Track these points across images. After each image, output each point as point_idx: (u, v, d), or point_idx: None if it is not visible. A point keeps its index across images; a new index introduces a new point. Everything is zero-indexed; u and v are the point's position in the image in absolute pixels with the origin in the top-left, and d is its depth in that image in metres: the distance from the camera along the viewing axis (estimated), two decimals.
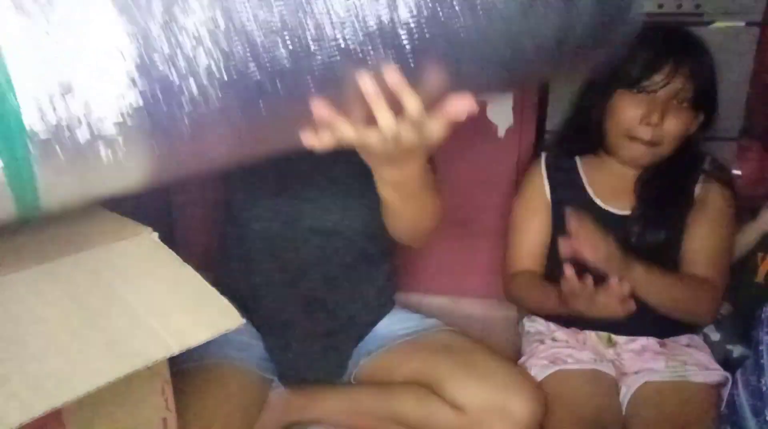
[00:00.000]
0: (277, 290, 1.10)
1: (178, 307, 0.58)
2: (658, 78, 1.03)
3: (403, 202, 0.79)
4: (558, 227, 1.16)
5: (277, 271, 1.09)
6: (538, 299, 1.13)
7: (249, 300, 1.13)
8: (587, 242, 0.94)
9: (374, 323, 1.16)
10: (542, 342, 1.13)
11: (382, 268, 1.15)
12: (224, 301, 0.59)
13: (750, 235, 1.14)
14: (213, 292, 0.60)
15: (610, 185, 1.13)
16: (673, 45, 1.05)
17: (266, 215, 1.06)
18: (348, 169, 1.04)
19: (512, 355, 1.19)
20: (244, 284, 1.12)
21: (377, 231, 1.08)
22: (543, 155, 1.20)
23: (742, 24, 1.15)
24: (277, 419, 1.10)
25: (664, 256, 1.08)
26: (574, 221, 0.97)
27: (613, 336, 1.10)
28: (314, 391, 1.13)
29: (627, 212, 1.11)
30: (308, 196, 1.05)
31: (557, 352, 1.10)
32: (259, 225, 1.07)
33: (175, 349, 0.54)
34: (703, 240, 1.08)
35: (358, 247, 1.09)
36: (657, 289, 1.02)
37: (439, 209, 0.88)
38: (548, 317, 1.18)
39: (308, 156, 1.01)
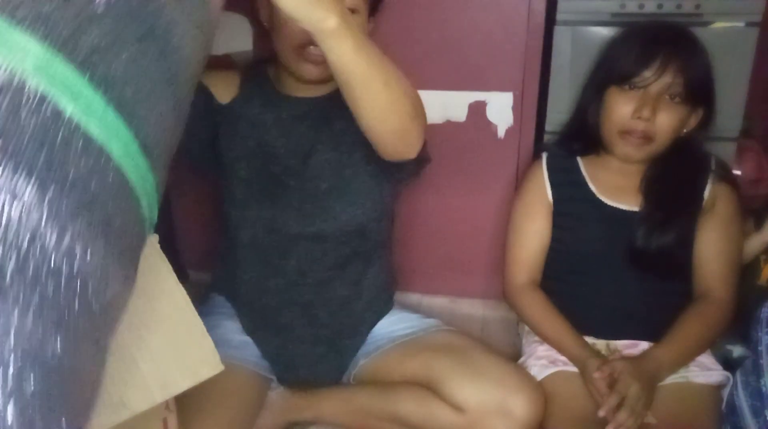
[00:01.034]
0: (273, 296, 1.10)
1: (167, 349, 0.62)
2: (648, 73, 1.02)
3: (359, 58, 0.74)
4: (559, 227, 1.16)
5: (270, 277, 1.09)
6: (540, 329, 1.13)
7: (244, 304, 1.13)
8: (615, 397, 0.95)
9: (373, 324, 1.16)
10: (542, 342, 1.13)
11: (377, 263, 1.15)
12: (208, 345, 0.65)
13: (754, 245, 1.13)
14: (200, 328, 0.65)
15: (614, 182, 1.13)
16: (663, 40, 1.04)
17: (253, 224, 1.07)
18: (323, 171, 1.04)
19: (512, 355, 1.19)
20: (239, 290, 1.12)
21: (368, 225, 1.08)
22: (544, 156, 1.19)
23: (742, 24, 1.15)
24: (276, 419, 1.10)
25: (671, 259, 1.07)
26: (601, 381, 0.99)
27: (612, 343, 1.10)
28: (314, 391, 1.13)
29: (635, 209, 1.10)
30: (289, 203, 1.05)
31: (556, 352, 1.10)
32: (246, 234, 1.08)
33: (159, 400, 0.59)
34: (715, 251, 1.08)
35: (348, 247, 1.09)
36: (689, 357, 1.05)
37: (403, 77, 0.83)
38: None
39: (284, 162, 1.02)
